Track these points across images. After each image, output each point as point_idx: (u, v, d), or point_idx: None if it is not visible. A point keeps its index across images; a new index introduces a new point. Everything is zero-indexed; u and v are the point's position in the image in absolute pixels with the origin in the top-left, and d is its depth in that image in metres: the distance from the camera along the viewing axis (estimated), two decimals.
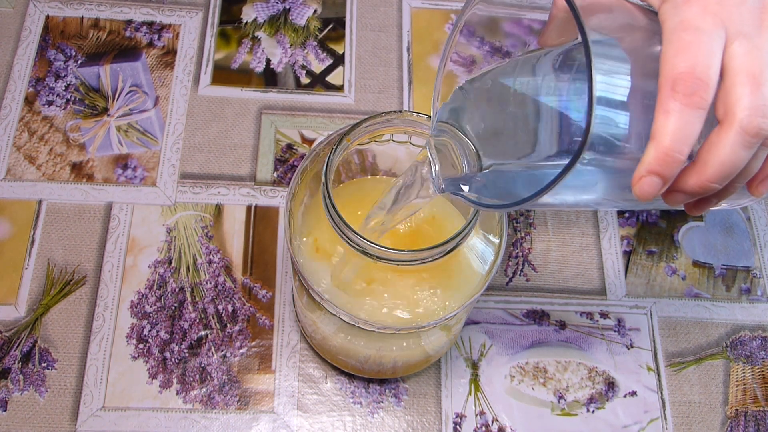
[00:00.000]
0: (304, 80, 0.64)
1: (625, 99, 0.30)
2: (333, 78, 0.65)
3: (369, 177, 0.48)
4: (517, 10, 0.38)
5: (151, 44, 0.65)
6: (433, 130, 0.38)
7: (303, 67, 0.65)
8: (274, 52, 0.65)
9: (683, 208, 0.36)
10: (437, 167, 0.37)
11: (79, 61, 0.63)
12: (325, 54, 0.66)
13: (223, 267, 0.56)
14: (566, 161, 0.28)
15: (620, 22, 0.32)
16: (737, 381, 0.55)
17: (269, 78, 0.64)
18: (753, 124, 0.30)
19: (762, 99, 0.30)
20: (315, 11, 0.68)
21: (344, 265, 0.41)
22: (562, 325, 0.56)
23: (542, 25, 0.36)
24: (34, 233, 0.56)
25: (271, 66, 0.65)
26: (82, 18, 0.65)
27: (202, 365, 0.52)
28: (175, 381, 0.52)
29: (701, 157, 0.31)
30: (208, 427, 0.50)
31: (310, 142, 0.61)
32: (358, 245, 0.37)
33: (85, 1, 0.66)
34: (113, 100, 0.62)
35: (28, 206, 0.57)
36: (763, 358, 0.56)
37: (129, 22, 0.65)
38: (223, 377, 0.52)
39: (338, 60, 0.66)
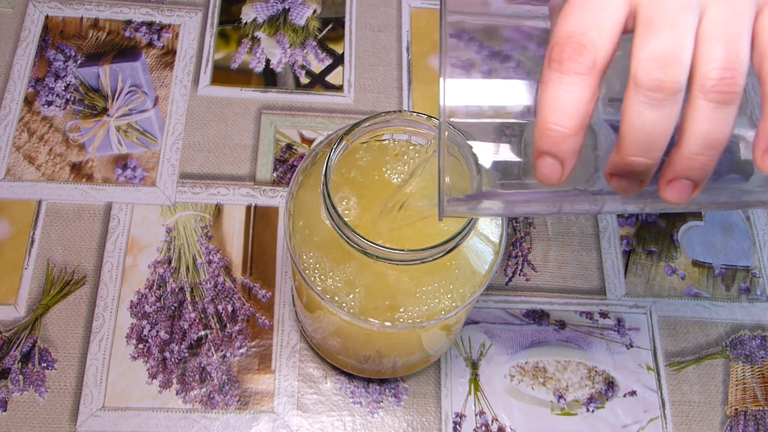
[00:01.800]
0: (304, 80, 0.64)
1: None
2: (332, 78, 0.65)
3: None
4: (495, 18, 0.37)
5: (150, 44, 0.65)
6: (444, 139, 0.37)
7: (302, 67, 0.65)
8: (273, 52, 0.65)
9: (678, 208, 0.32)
10: (448, 180, 0.36)
11: (79, 61, 0.63)
12: (324, 54, 0.66)
13: (222, 267, 0.56)
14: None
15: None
16: (737, 380, 0.55)
17: (269, 78, 0.64)
18: (648, 77, 0.25)
19: (659, 47, 0.26)
20: (314, 11, 0.68)
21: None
22: (562, 325, 0.56)
23: (543, 32, 0.34)
24: (33, 233, 0.56)
25: (271, 66, 0.65)
26: (82, 18, 0.65)
27: (202, 365, 0.52)
28: (174, 381, 0.52)
29: (619, 131, 0.27)
30: (207, 427, 0.50)
31: (309, 142, 0.61)
32: (358, 245, 0.37)
33: (84, 2, 0.66)
34: (113, 100, 0.62)
35: (27, 206, 0.57)
36: (762, 357, 0.56)
37: (128, 22, 0.65)
38: (223, 377, 0.52)
39: (338, 60, 0.66)
